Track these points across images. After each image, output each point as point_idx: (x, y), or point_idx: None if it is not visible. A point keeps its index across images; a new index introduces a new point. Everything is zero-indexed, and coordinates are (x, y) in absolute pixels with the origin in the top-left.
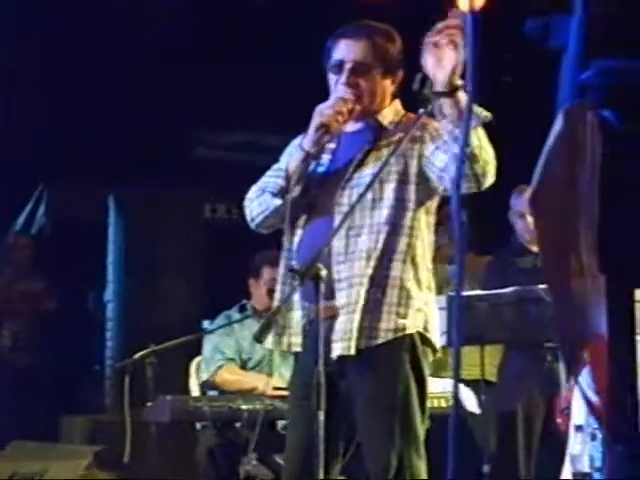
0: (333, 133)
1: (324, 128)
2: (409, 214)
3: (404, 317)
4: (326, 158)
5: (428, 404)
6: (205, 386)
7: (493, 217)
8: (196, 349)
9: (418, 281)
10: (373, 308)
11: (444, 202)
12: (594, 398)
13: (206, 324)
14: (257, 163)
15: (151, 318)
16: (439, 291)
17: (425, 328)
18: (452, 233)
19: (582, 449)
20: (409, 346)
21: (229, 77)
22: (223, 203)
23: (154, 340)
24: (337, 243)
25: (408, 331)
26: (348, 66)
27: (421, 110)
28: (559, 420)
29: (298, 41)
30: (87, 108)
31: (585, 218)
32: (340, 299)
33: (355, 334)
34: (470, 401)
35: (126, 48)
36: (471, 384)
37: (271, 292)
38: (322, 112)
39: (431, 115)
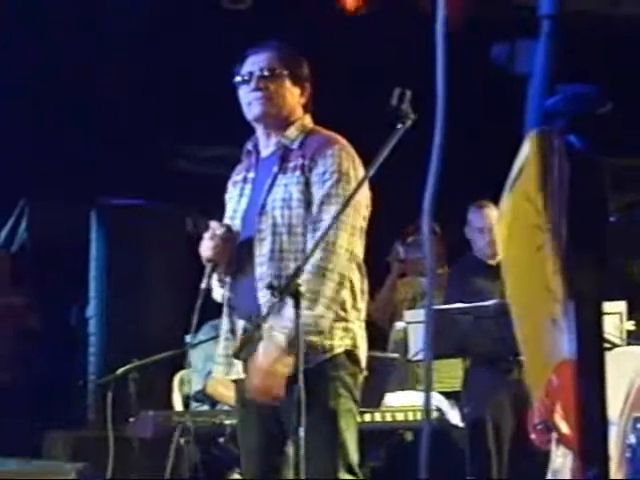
0: (224, 261)
1: (211, 262)
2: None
3: (330, 338)
4: (248, 188)
5: (411, 417)
6: (197, 397)
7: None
8: (179, 364)
9: (342, 302)
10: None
11: (414, 215)
12: (563, 424)
13: (189, 338)
14: None
15: (134, 333)
16: (414, 304)
17: (354, 345)
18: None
19: (563, 462)
20: (337, 366)
21: (212, 91)
22: (205, 217)
23: (137, 355)
24: (260, 269)
25: (335, 351)
26: (257, 73)
27: (399, 125)
28: (533, 436)
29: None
30: (69, 123)
31: (553, 243)
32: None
33: None
34: (453, 414)
35: (106, 61)
36: (453, 396)
37: None
38: (202, 253)
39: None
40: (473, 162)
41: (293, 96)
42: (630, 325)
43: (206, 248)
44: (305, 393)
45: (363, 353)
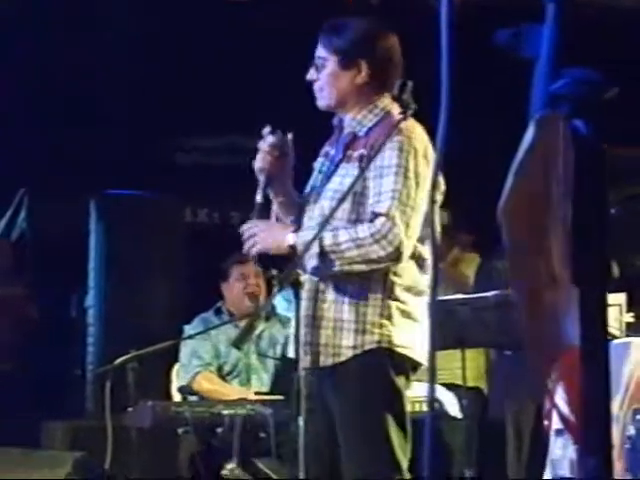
0: (275, 173)
1: (263, 172)
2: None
3: (363, 333)
4: (327, 165)
5: (409, 408)
6: (183, 391)
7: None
8: (177, 354)
9: (380, 296)
10: (333, 324)
11: None
12: (566, 411)
13: (187, 329)
14: (238, 167)
15: (132, 323)
16: None
17: (390, 342)
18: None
19: (562, 453)
20: (375, 362)
21: (210, 81)
22: (204, 207)
23: (135, 345)
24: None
25: (368, 347)
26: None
27: (400, 117)
28: (546, 422)
29: (280, 45)
30: (68, 113)
31: (558, 229)
32: (302, 310)
33: (318, 350)
34: (452, 405)
35: (107, 53)
36: (453, 388)
37: (245, 289)
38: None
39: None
40: (479, 146)
41: (343, 81)
42: (629, 317)
43: (257, 160)
44: (343, 393)
45: (409, 345)
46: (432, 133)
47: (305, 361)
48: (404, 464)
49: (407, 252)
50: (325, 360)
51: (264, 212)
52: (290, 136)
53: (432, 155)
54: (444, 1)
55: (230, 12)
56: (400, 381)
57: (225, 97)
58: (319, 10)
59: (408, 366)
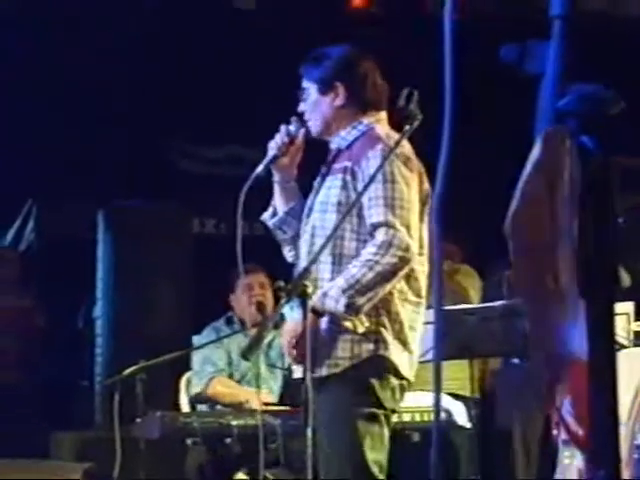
0: (282, 157)
1: (275, 159)
2: (352, 243)
3: (359, 343)
4: (318, 182)
5: (418, 418)
6: (197, 399)
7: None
8: (186, 365)
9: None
10: (329, 335)
11: None
12: (573, 424)
13: (196, 339)
14: (246, 178)
15: (141, 334)
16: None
17: (387, 349)
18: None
19: (570, 462)
20: (371, 370)
21: (216, 91)
22: (212, 218)
23: (144, 356)
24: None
25: (365, 355)
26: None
27: (407, 127)
28: (555, 432)
29: (283, 56)
30: (75, 124)
31: (564, 243)
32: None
33: (314, 361)
34: (461, 415)
35: (111, 62)
36: (460, 398)
37: (251, 300)
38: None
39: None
40: (484, 163)
41: (324, 106)
42: (637, 326)
43: (272, 140)
44: (323, 407)
45: (398, 357)
46: (435, 147)
47: (299, 371)
48: (381, 474)
49: (416, 252)
50: (320, 370)
51: (261, 184)
52: (303, 130)
53: (413, 158)
54: (447, 17)
55: (230, 12)
56: (388, 390)
57: (233, 107)
58: (320, 12)
59: (399, 375)
